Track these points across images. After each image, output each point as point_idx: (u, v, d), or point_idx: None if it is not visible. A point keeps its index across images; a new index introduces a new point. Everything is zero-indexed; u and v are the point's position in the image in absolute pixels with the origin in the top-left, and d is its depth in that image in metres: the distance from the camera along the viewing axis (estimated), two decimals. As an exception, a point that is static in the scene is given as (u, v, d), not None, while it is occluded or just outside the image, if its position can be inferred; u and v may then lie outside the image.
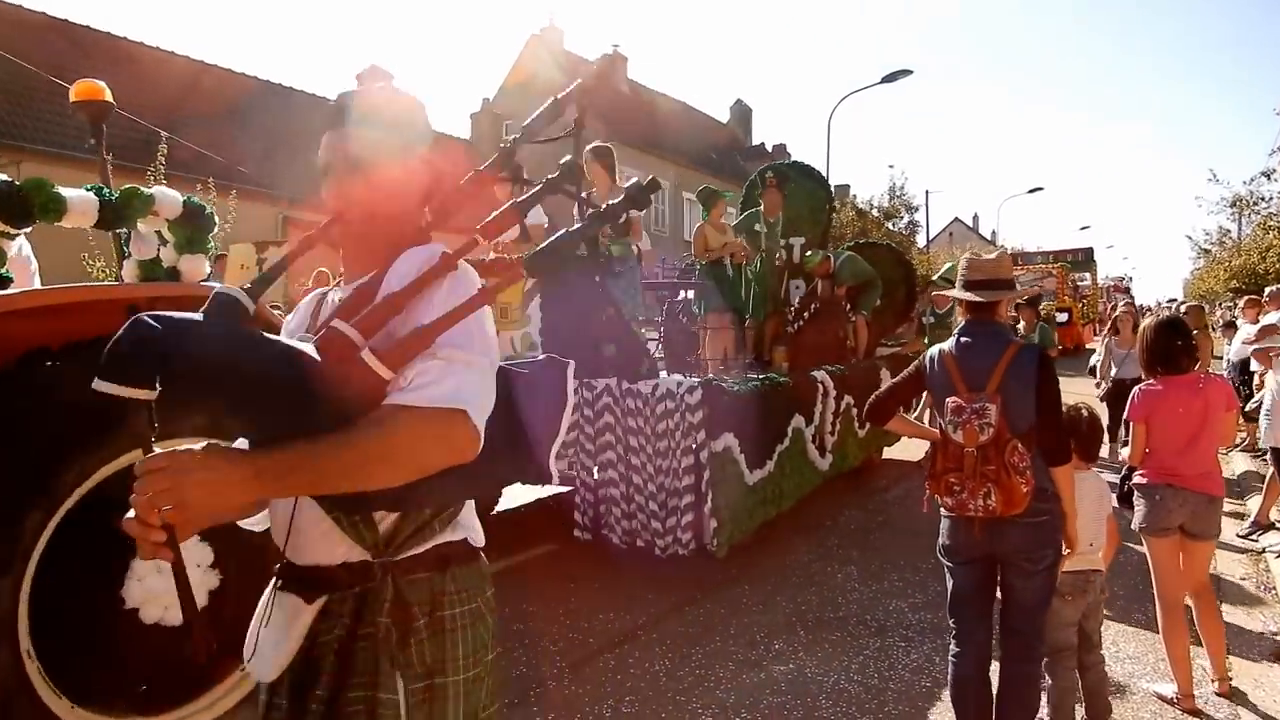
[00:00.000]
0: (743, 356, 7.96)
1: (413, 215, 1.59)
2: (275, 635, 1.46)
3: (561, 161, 1.70)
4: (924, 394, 3.43)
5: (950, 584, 3.10)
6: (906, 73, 22.39)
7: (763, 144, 42.13)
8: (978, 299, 3.04)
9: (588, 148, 6.32)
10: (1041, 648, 3.04)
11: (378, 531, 1.44)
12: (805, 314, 8.08)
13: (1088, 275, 33.57)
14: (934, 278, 9.84)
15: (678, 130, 34.36)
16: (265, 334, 1.38)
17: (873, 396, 3.33)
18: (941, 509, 3.02)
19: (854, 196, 34.83)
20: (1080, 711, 3.38)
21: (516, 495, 7.50)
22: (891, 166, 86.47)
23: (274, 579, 1.52)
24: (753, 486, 5.45)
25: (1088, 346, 26.20)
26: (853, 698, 3.78)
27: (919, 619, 4.72)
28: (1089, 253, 36.30)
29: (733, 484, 5.16)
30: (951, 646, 3.10)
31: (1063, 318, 25.34)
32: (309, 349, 1.35)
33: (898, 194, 34.20)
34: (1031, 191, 45.05)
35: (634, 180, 1.62)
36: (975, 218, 68.82)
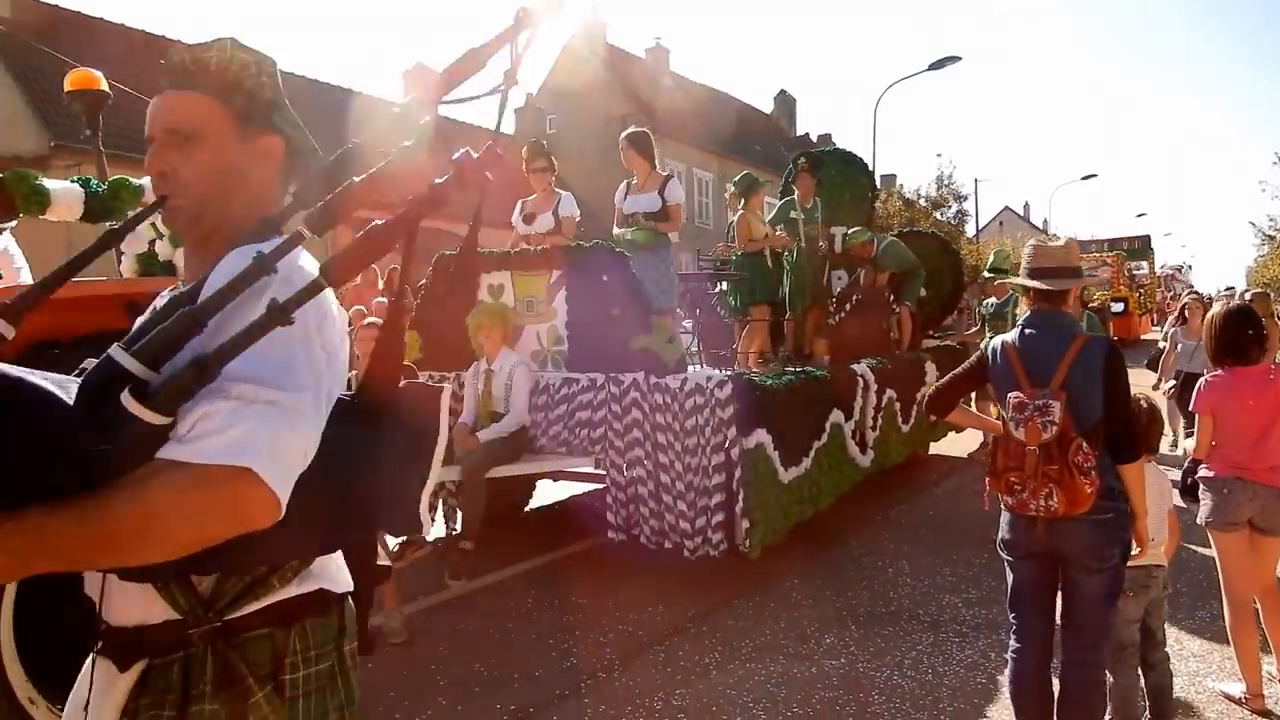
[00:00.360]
0: (781, 350, 7.79)
1: (255, 203, 1.33)
2: (92, 711, 1.20)
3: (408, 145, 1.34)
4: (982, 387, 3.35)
5: (1010, 578, 3.03)
6: (955, 59, 21.98)
7: (807, 134, 41.75)
8: (1045, 287, 2.93)
9: (624, 134, 6.17)
10: (1106, 647, 2.95)
11: (194, 593, 1.19)
12: (847, 305, 7.88)
13: (1144, 264, 32.59)
14: (985, 271, 9.48)
15: (720, 122, 34.17)
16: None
17: (932, 387, 3.26)
18: (1002, 502, 2.95)
19: (901, 186, 34.34)
20: (1145, 711, 3.30)
21: (553, 492, 7.56)
22: (939, 155, 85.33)
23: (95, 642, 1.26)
24: (788, 485, 5.28)
25: (1144, 338, 25.52)
26: (906, 693, 3.73)
27: (973, 614, 4.64)
28: (1146, 240, 35.22)
29: (766, 483, 5.00)
30: (1011, 642, 3.03)
31: (1118, 308, 24.59)
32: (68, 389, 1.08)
33: (946, 183, 33.63)
34: (1085, 178, 43.77)
35: (463, 150, 1.29)
36: (1026, 206, 67.49)
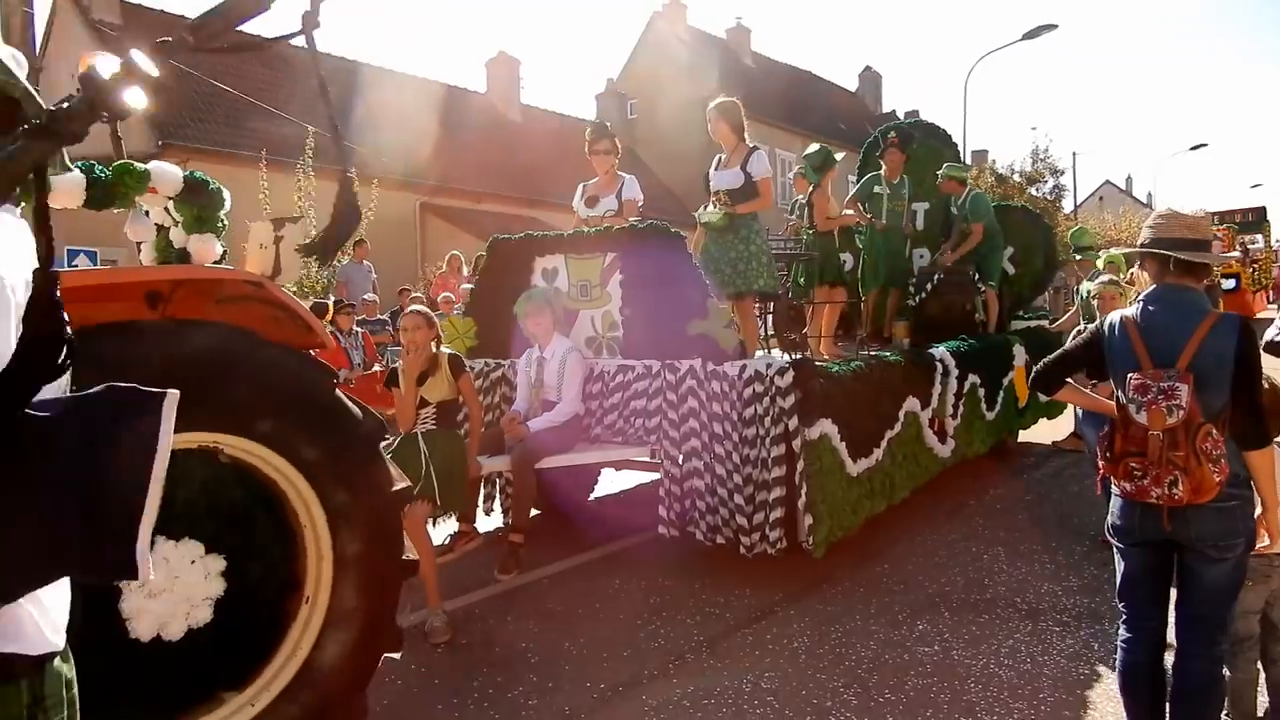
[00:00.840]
0: (860, 332, 7.40)
1: None
2: None
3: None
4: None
5: (1121, 566, 2.87)
6: (1051, 27, 21.11)
7: (893, 111, 40.65)
8: (1188, 259, 2.70)
9: (712, 104, 5.75)
10: (1224, 640, 2.78)
11: None
12: (928, 285, 7.53)
13: (1260, 237, 30.63)
14: (1073, 251, 8.83)
15: (804, 101, 33.60)
16: None
17: (1040, 364, 3.09)
18: (1114, 487, 2.81)
19: (993, 162, 33.18)
20: (1263, 706, 3.12)
21: (627, 478, 7.53)
22: (1034, 128, 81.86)
23: None
24: (857, 478, 5.03)
25: (1260, 316, 24.11)
26: (1004, 683, 3.62)
27: (1074, 603, 4.47)
28: (1261, 212, 32.96)
29: (832, 476, 4.76)
30: (1121, 633, 2.89)
31: (1229, 284, 23.10)
32: None
33: (1041, 157, 32.31)
34: (1194, 148, 41.46)
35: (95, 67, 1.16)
36: (1129, 179, 64.46)
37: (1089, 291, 7.78)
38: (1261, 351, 2.79)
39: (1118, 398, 2.79)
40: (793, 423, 4.56)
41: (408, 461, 4.13)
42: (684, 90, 28.37)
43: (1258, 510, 2.68)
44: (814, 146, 7.34)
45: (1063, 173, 32.85)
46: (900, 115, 39.77)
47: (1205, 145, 46.71)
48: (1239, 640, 3.00)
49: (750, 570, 4.93)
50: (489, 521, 5.90)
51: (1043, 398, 5.74)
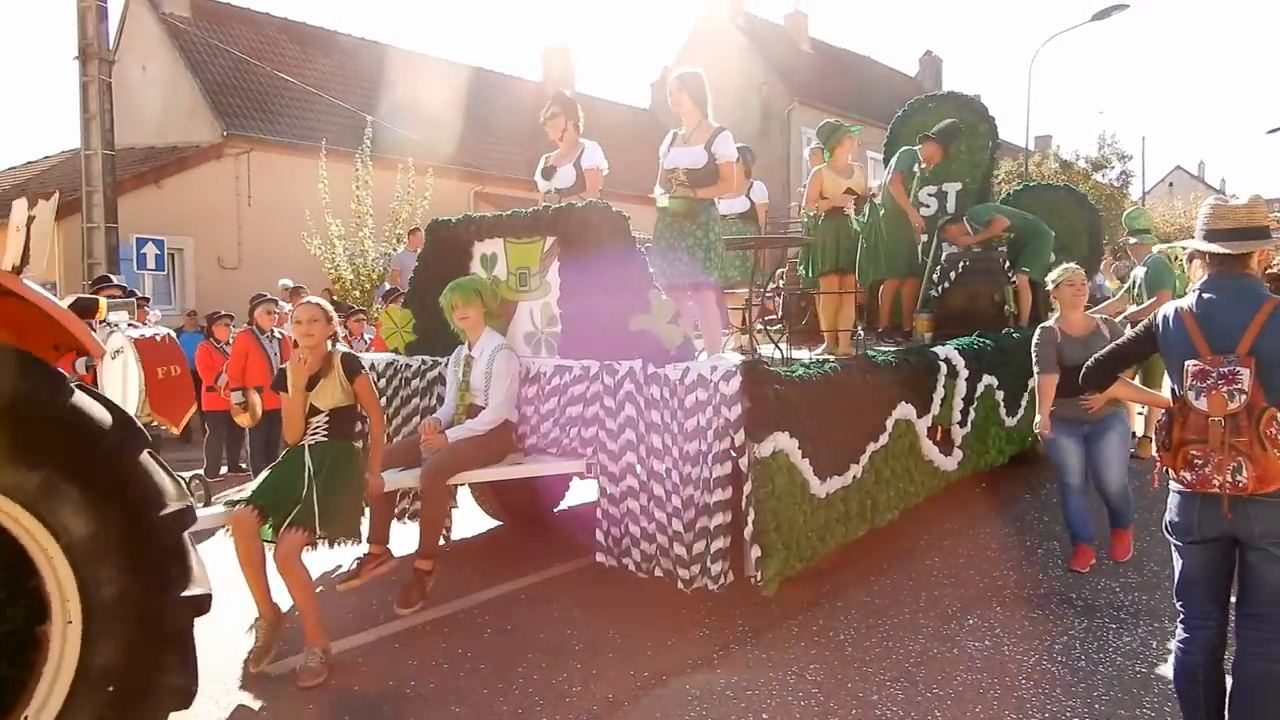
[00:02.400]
0: (860, 328, 6.55)
1: None
2: None
3: None
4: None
5: (1180, 564, 2.79)
6: (1122, 7, 20.38)
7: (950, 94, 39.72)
8: (1221, 250, 2.65)
9: (674, 74, 5.07)
10: None
11: None
12: (952, 274, 6.88)
13: None
14: (1128, 235, 7.95)
15: (863, 87, 33.02)
16: None
17: (1093, 359, 3.03)
18: (1172, 482, 2.73)
19: (1058, 147, 32.25)
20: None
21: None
22: (1102, 113, 79.52)
23: None
24: (825, 499, 4.35)
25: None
26: (1057, 680, 3.54)
27: (1132, 600, 4.35)
28: None
29: (789, 499, 4.07)
30: (1179, 632, 2.81)
31: None
32: None
33: (1108, 142, 31.30)
34: (1271, 132, 39.74)
35: None
36: (1201, 165, 61.93)
37: (1141, 279, 7.20)
38: None
39: (1172, 388, 2.72)
40: (738, 437, 3.88)
41: (288, 480, 3.79)
42: (740, 78, 28.11)
43: None
44: (823, 122, 6.73)
45: (1130, 158, 31.82)
46: (961, 100, 38.86)
47: (1284, 129, 44.78)
48: None
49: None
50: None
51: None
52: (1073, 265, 4.88)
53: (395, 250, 13.66)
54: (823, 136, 6.46)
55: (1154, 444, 2.75)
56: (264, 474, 3.98)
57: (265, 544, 3.77)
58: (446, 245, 5.23)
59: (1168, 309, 2.80)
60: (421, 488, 4.30)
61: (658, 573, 4.15)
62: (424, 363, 5.29)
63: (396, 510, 4.99)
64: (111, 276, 8.29)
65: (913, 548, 5.19)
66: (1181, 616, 2.81)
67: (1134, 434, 7.60)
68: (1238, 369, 2.50)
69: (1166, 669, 3.48)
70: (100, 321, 6.41)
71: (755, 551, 3.90)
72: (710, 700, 3.45)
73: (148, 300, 8.78)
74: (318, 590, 4.13)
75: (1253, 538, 2.57)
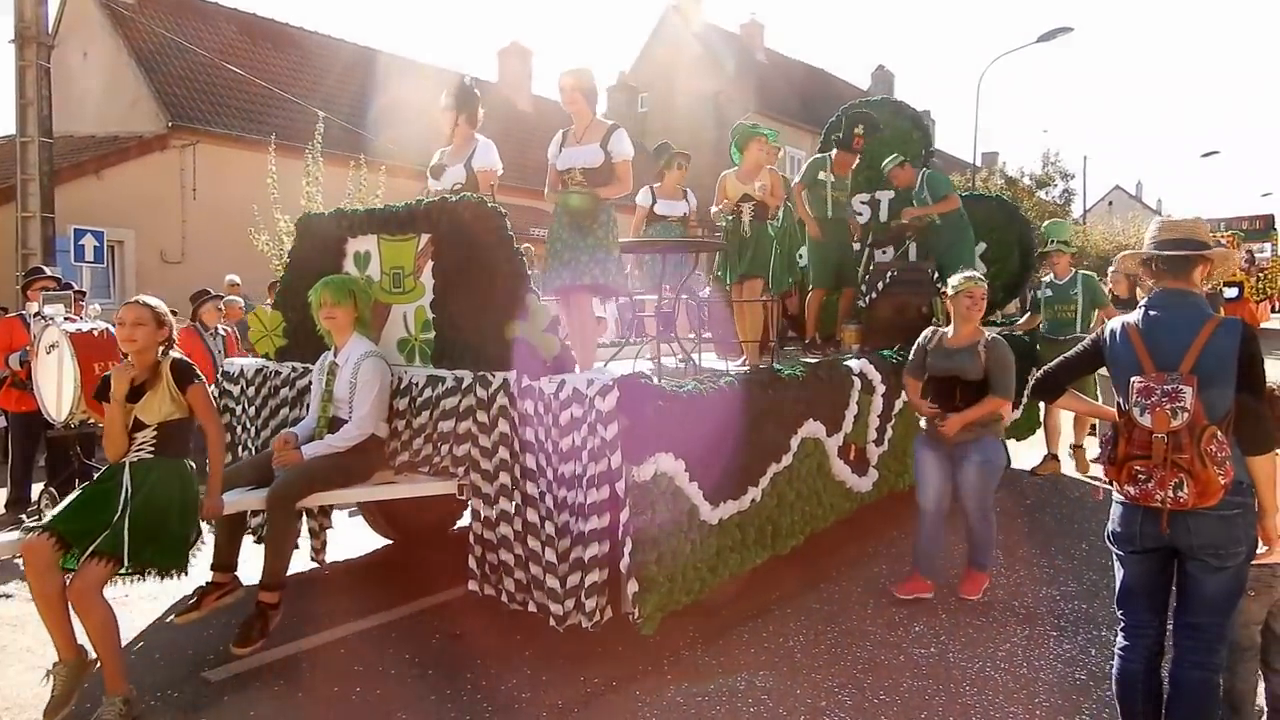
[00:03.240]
0: (771, 339, 6.11)
1: None
2: None
3: None
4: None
5: (1120, 573, 2.87)
6: (1066, 30, 21.02)
7: (905, 111, 40.46)
8: (1164, 254, 2.72)
9: (565, 71, 4.69)
10: (1223, 650, 2.77)
11: None
12: (880, 284, 6.66)
13: (1267, 246, 30.28)
14: (1049, 244, 7.52)
15: (817, 98, 33.47)
16: None
17: (1040, 371, 3.10)
18: (1115, 494, 2.79)
19: (1003, 164, 33.07)
20: (1262, 715, 3.10)
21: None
22: (1046, 131, 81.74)
23: None
24: (718, 526, 4.06)
25: (1264, 326, 23.95)
26: (1000, 686, 3.60)
27: (1072, 608, 4.46)
28: (1269, 220, 32.51)
29: (674, 526, 3.75)
30: (1119, 640, 2.88)
31: (1232, 293, 22.56)
32: None
33: (1052, 161, 32.20)
34: (1205, 155, 41.43)
35: None
36: (1139, 185, 64.14)
37: (1049, 292, 7.34)
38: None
39: (1118, 403, 2.79)
40: (615, 459, 3.51)
41: (100, 502, 3.37)
42: (696, 85, 28.30)
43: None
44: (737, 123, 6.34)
45: (1072, 177, 32.78)
46: (911, 115, 39.59)
47: (1216, 153, 46.73)
48: (1240, 650, 2.98)
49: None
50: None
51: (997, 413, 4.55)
52: (976, 276, 4.56)
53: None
54: (736, 136, 6.11)
55: (1102, 455, 2.81)
56: (73, 495, 3.51)
57: (69, 574, 3.28)
58: (318, 242, 4.79)
59: (1115, 324, 2.87)
60: (267, 509, 3.81)
61: (531, 606, 3.78)
62: (294, 370, 4.79)
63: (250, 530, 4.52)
64: (45, 268, 8.01)
65: (860, 555, 5.25)
66: (1121, 625, 2.88)
67: (1071, 446, 7.77)
68: (1180, 387, 2.56)
69: (1105, 675, 3.57)
70: (35, 315, 6.23)
71: (632, 586, 3.54)
72: (660, 707, 3.44)
73: (84, 294, 8.48)
74: (168, 620, 3.94)
75: (1192, 549, 2.64)
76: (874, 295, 6.76)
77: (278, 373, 4.89)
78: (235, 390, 5.06)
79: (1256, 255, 27.47)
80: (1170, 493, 2.55)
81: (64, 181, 12.76)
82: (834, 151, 6.72)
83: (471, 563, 3.98)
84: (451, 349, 4.20)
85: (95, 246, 11.43)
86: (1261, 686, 3.10)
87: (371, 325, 4.42)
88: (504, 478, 3.85)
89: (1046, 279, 7.50)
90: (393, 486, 4.20)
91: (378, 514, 5.55)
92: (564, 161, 4.69)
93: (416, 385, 4.21)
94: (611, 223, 4.63)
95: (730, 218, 5.96)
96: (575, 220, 4.55)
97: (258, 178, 13.62)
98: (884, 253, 7.45)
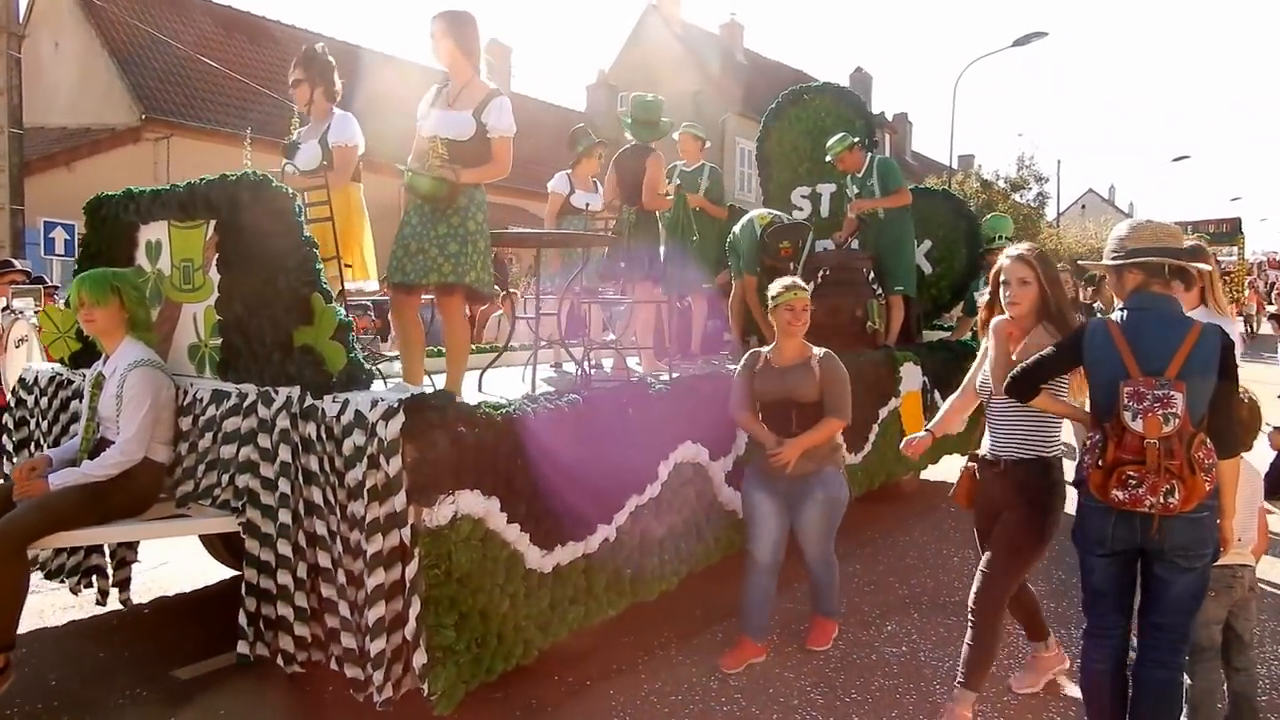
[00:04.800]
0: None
1: None
2: None
3: None
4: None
5: (1088, 575, 2.89)
6: (1040, 35, 21.24)
7: (883, 113, 40.75)
8: (1176, 263, 2.71)
9: (435, 13, 3.82)
10: (1186, 649, 2.81)
11: None
12: (812, 283, 5.94)
13: (1234, 249, 30.33)
14: (995, 238, 6.88)
15: (795, 99, 33.59)
16: None
17: (1017, 369, 3.03)
18: (1083, 496, 2.80)
19: (979, 167, 33.36)
20: (1222, 714, 3.17)
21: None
22: (1021, 135, 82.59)
23: None
24: (554, 574, 3.33)
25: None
26: (969, 685, 3.65)
27: (1042, 608, 4.51)
28: (1235, 224, 32.35)
29: (486, 579, 3.01)
30: (1086, 641, 2.92)
31: None
32: None
33: (1026, 164, 32.53)
34: (1176, 160, 42.08)
35: None
36: (1111, 189, 64.84)
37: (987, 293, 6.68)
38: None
39: (1095, 404, 2.80)
40: (399, 500, 2.80)
41: None
42: (675, 84, 28.30)
43: None
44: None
45: (1046, 180, 33.13)
46: (889, 116, 39.91)
47: (1187, 157, 47.50)
48: (1200, 650, 3.04)
49: (717, 567, 4.94)
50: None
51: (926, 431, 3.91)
52: (798, 285, 3.90)
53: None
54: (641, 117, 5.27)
55: (1088, 459, 2.77)
56: None
57: None
58: (109, 229, 4.06)
59: (1095, 323, 2.83)
60: None
61: (331, 665, 3.14)
62: (83, 378, 3.97)
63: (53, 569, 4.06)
64: (14, 261, 7.90)
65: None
66: (1088, 626, 2.92)
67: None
68: (1171, 393, 2.55)
69: (1073, 674, 3.63)
70: (4, 309, 6.14)
71: (420, 657, 2.83)
72: (634, 706, 3.45)
73: (57, 288, 8.37)
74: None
75: (1162, 551, 2.67)
76: None
77: (70, 381, 4.15)
78: (30, 401, 4.35)
79: (1222, 260, 27.59)
80: (1161, 499, 2.55)
81: (34, 173, 12.59)
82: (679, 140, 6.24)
83: (241, 618, 3.23)
84: (238, 358, 3.47)
85: (66, 239, 11.30)
86: (1224, 685, 3.17)
87: (156, 328, 3.73)
88: (285, 515, 3.15)
89: (980, 280, 6.71)
90: (160, 524, 3.59)
91: (215, 540, 4.63)
92: (428, 127, 3.79)
93: (201, 401, 3.50)
94: (475, 209, 3.70)
95: (631, 211, 5.23)
96: (423, 202, 3.68)
97: (232, 171, 13.47)
98: (826, 248, 6.73)
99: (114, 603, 4.12)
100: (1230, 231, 31.28)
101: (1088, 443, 2.77)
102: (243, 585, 3.27)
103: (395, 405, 2.84)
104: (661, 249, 5.36)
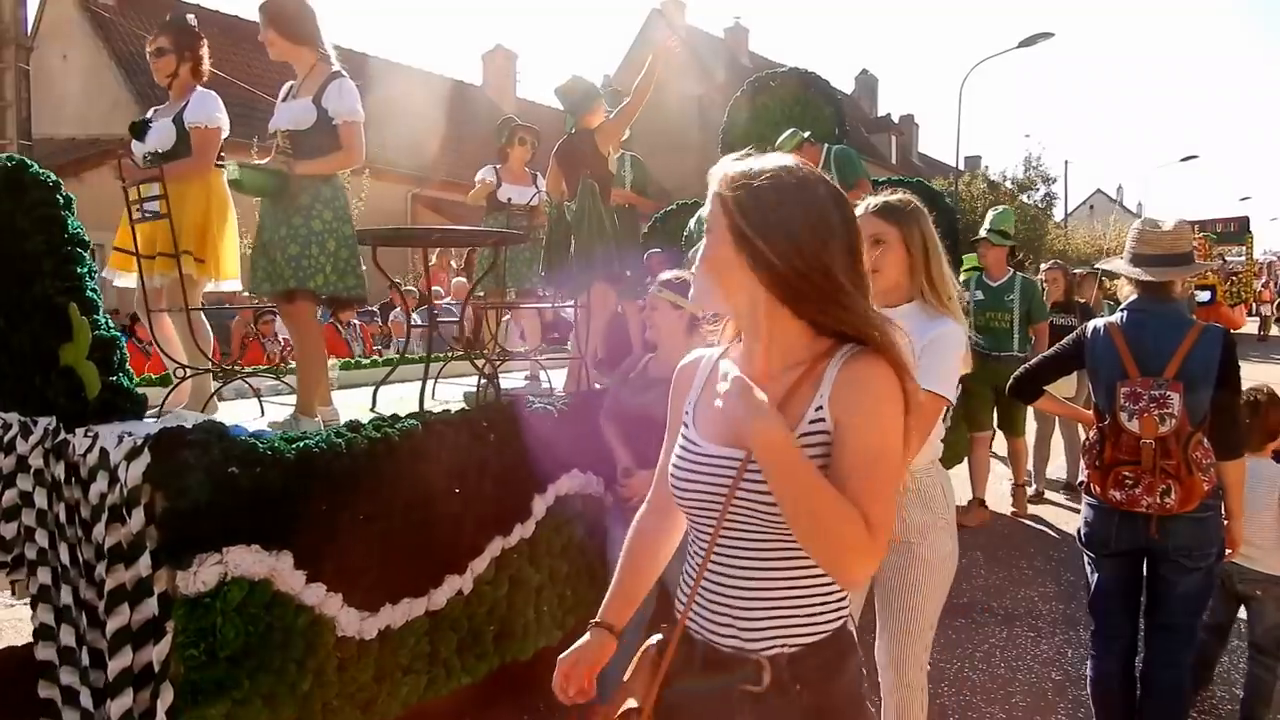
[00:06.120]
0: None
1: None
2: None
3: None
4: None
5: (1095, 577, 2.89)
6: (1047, 35, 21.18)
7: (888, 115, 40.75)
8: (1147, 278, 2.73)
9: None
10: (1191, 649, 2.82)
11: None
12: None
13: (1241, 249, 29.85)
14: (982, 230, 6.28)
15: (800, 102, 33.59)
16: None
17: (1020, 369, 3.06)
18: (1087, 497, 2.81)
19: (986, 168, 33.30)
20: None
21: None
22: (1028, 136, 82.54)
23: None
24: (378, 641, 2.54)
25: (1236, 331, 24.05)
26: (977, 687, 3.64)
27: (1050, 609, 4.51)
28: (1243, 223, 31.56)
29: (277, 655, 2.27)
30: (1093, 641, 2.92)
31: (1204, 297, 22.09)
32: None
33: (1033, 165, 32.45)
34: (1185, 160, 41.89)
35: None
36: (1120, 189, 64.70)
37: (981, 295, 5.99)
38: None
39: (1097, 405, 2.81)
40: (144, 563, 2.16)
41: None
42: (680, 88, 28.35)
43: None
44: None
45: (1054, 180, 33.03)
46: (895, 118, 39.87)
47: (1196, 157, 47.35)
48: (1265, 652, 3.14)
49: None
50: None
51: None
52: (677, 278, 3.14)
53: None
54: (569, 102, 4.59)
55: (1086, 460, 2.80)
56: None
57: None
58: None
59: (1097, 324, 2.84)
60: None
61: None
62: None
63: None
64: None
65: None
66: (1095, 627, 2.92)
67: (1028, 478, 6.52)
68: (1168, 393, 2.56)
69: (1082, 676, 3.62)
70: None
71: None
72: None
73: None
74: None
75: (1166, 552, 2.67)
76: None
77: None
78: None
79: (1228, 259, 27.19)
80: (1157, 499, 2.56)
81: (44, 184, 12.67)
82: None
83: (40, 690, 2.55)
84: (3, 380, 2.87)
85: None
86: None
87: None
88: (44, 574, 2.58)
89: (976, 276, 6.21)
90: None
91: None
92: (273, 123, 3.49)
93: None
94: (322, 206, 3.31)
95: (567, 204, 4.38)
96: (261, 202, 3.33)
97: (240, 181, 13.55)
98: None
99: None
100: (1239, 231, 30.73)
101: (1088, 443, 2.79)
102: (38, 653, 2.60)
103: (141, 440, 2.21)
104: (611, 245, 4.24)
